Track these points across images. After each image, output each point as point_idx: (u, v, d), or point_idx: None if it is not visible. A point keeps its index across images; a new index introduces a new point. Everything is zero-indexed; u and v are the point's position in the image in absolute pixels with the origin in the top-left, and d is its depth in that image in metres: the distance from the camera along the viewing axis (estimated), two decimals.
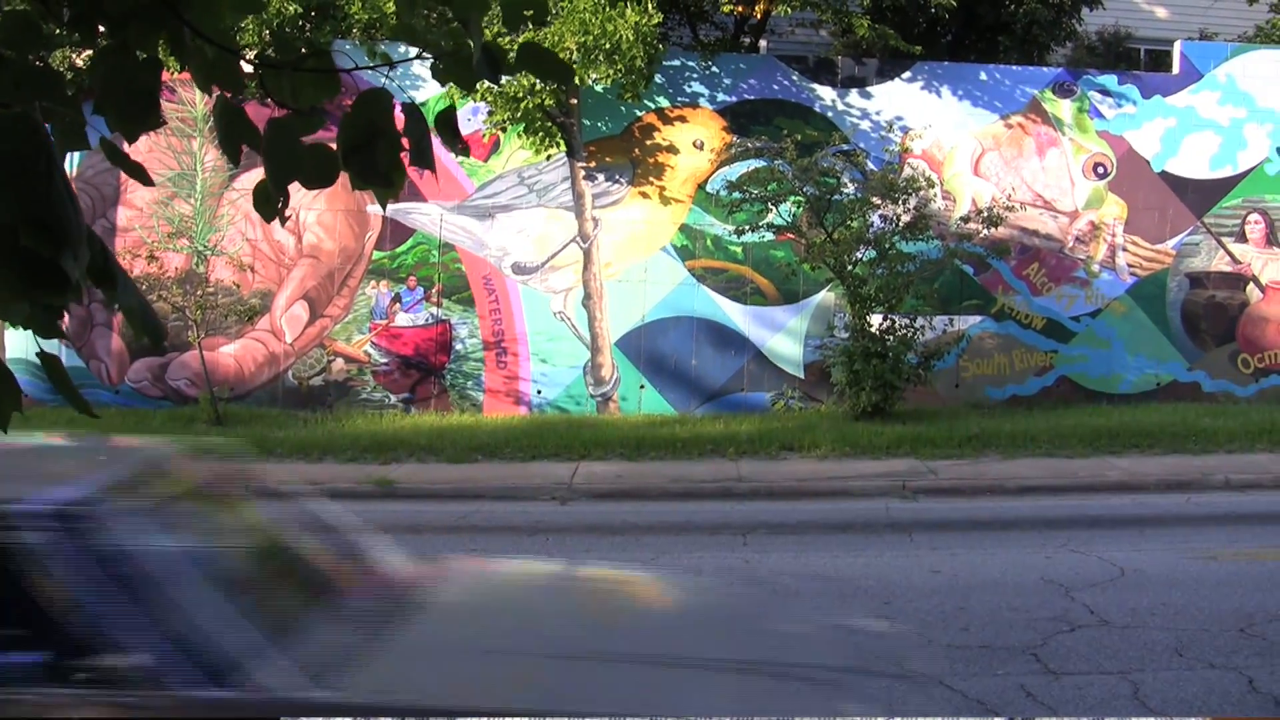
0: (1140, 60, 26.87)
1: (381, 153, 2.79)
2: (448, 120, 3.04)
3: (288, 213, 2.92)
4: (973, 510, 14.37)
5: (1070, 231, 21.91)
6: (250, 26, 18.76)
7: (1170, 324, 22.12)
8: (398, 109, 2.84)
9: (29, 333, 2.74)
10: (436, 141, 2.96)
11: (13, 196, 2.24)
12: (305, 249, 21.18)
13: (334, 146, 2.80)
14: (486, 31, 2.89)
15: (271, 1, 18.80)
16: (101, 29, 2.79)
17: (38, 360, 2.79)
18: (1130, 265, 22.01)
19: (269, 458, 17.00)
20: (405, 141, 2.87)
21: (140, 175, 3.01)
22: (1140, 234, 22.01)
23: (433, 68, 2.98)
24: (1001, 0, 23.22)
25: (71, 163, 19.84)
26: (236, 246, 20.96)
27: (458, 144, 3.07)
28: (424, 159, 2.89)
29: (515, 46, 3.08)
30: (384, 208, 3.10)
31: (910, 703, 7.57)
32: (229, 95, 2.94)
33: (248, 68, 3.03)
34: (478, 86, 3.16)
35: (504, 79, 2.99)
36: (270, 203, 2.86)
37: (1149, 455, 17.26)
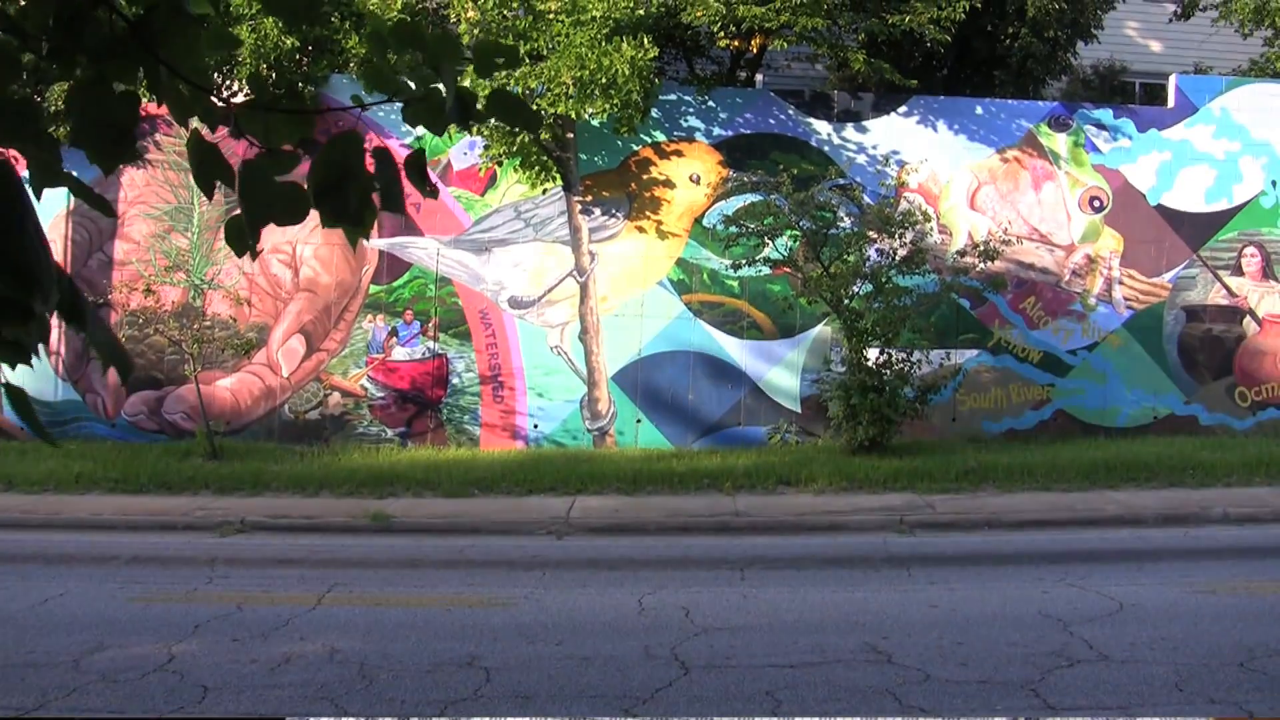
0: (1135, 94, 26.99)
1: (352, 194, 2.80)
2: (416, 164, 3.06)
3: (259, 247, 2.94)
4: (970, 544, 14.35)
5: (1066, 265, 21.96)
6: (247, 60, 18.84)
7: (1167, 357, 22.15)
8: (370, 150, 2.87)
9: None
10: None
11: None
12: (302, 283, 21.19)
13: (302, 184, 2.81)
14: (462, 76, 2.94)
15: (269, 36, 18.87)
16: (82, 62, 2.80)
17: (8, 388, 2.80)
18: (1127, 298, 22.05)
19: (265, 492, 17.00)
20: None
21: (103, 206, 3.02)
22: (1136, 267, 22.06)
23: (404, 111, 2.99)
24: (996, 35, 23.32)
25: (66, 197, 19.85)
26: (233, 280, 20.99)
27: (426, 187, 3.08)
28: (394, 203, 2.91)
29: (488, 91, 3.11)
30: (354, 247, 3.14)
31: None
32: (203, 132, 2.96)
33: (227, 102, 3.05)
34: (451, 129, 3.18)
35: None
36: (242, 238, 2.87)
37: (1147, 488, 17.26)
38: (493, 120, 3.20)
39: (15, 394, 2.77)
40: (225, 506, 16.04)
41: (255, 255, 2.96)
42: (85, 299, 2.60)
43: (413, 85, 2.98)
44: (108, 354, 2.70)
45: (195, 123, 2.98)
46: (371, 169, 2.85)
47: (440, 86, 2.94)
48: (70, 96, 2.72)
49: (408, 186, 2.96)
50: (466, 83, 3.02)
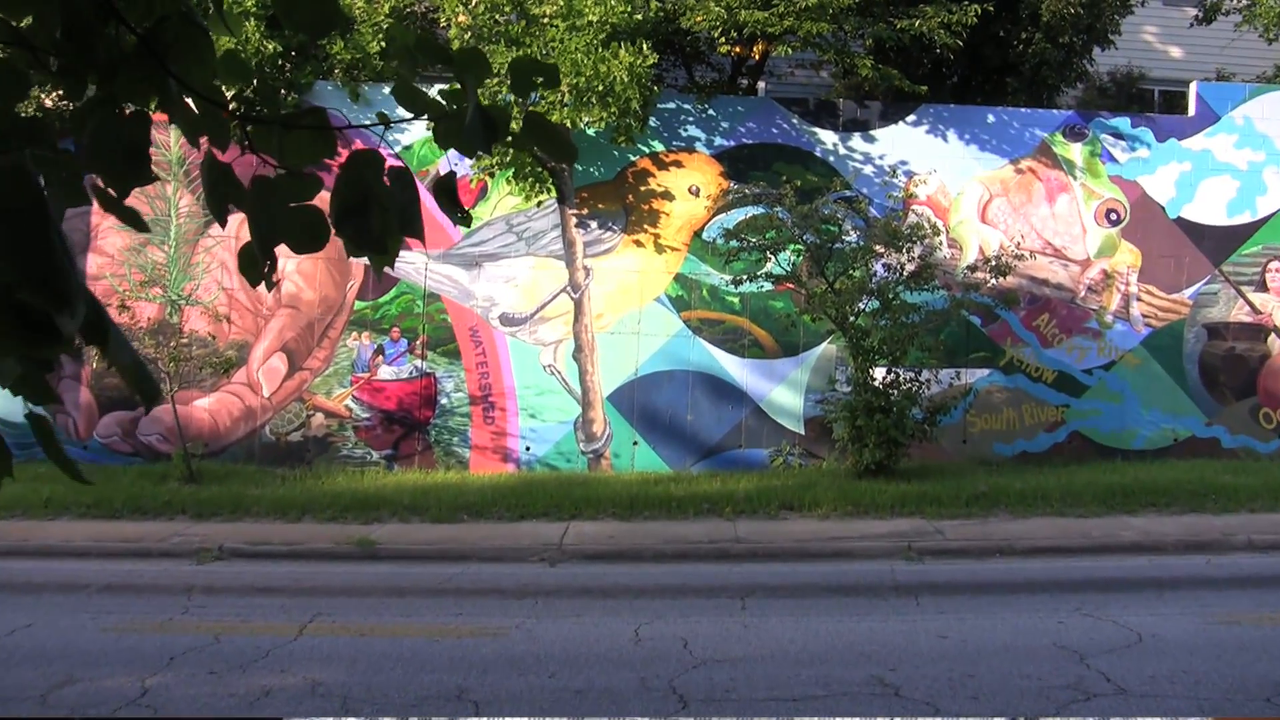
0: (1154, 102, 27.03)
1: (375, 218, 2.76)
2: (447, 187, 3.00)
3: (276, 276, 2.89)
4: (981, 572, 14.32)
5: (1082, 280, 21.97)
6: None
7: (1187, 377, 22.14)
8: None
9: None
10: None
11: (9, 253, 2.22)
12: (284, 299, 21.18)
13: (321, 207, 2.77)
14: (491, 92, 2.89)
15: (251, 41, 18.86)
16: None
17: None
18: (1145, 315, 22.05)
19: (245, 517, 16.95)
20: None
21: (135, 221, 2.99)
22: (1155, 283, 22.07)
23: (434, 131, 2.95)
24: (1009, 40, 23.34)
25: None
26: (212, 296, 20.99)
27: (458, 213, 3.02)
28: (412, 227, 2.85)
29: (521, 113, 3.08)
30: (379, 277, 3.08)
31: None
32: (216, 150, 2.92)
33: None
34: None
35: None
36: (256, 266, 2.83)
37: (1166, 514, 17.23)
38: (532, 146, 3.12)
39: (40, 424, 2.75)
40: (203, 532, 16.01)
41: (271, 286, 2.93)
42: (108, 315, 2.57)
43: (444, 103, 2.95)
44: (132, 377, 2.67)
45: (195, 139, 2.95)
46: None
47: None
48: (78, 117, 2.70)
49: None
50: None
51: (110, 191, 2.80)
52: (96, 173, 2.67)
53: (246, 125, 2.92)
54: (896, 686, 9.28)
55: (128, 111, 2.70)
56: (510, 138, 2.98)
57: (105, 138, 2.66)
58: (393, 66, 19.09)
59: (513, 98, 16.41)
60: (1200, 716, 7.72)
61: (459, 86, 2.89)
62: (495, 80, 15.41)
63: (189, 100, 2.79)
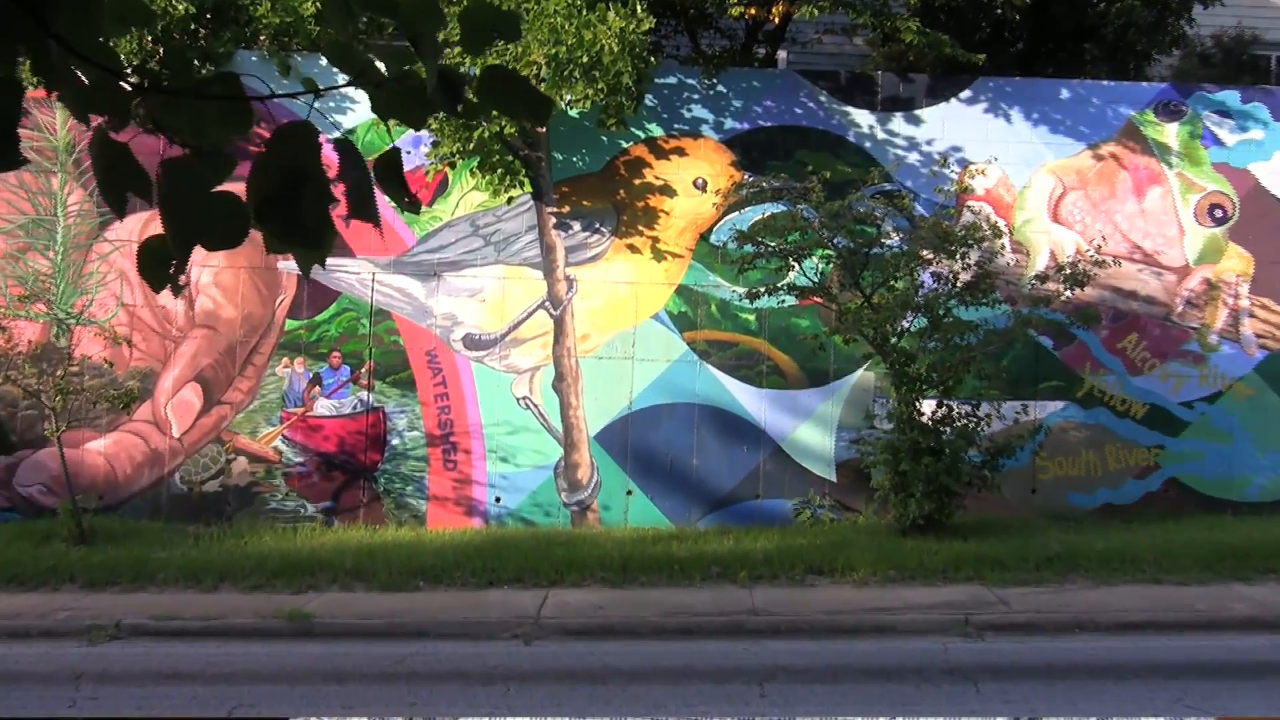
0: (1270, 71, 27.01)
1: (308, 204, 2.72)
2: (391, 166, 2.98)
3: (182, 279, 2.87)
4: (1055, 652, 14.31)
5: (1179, 292, 21.95)
6: (131, 33, 18.80)
7: None
8: (326, 146, 2.77)
9: None
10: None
11: None
12: (199, 316, 21.16)
13: (239, 194, 2.74)
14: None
15: (155, 1, 18.79)
16: None
17: None
18: (1258, 335, 22.03)
19: (149, 585, 16.91)
20: (337, 188, 2.80)
21: None
22: (1271, 295, 22.04)
23: (372, 99, 2.92)
24: None
25: None
26: (109, 313, 20.94)
27: (405, 197, 3.00)
28: (365, 210, 2.82)
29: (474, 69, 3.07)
30: (307, 274, 3.03)
31: None
32: (110, 127, 2.88)
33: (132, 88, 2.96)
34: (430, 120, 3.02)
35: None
36: (162, 268, 2.80)
37: None
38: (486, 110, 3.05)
39: None
40: (96, 605, 15.99)
41: (179, 290, 2.89)
42: None
43: (382, 66, 2.92)
44: None
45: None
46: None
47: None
48: None
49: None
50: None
51: None
52: None
53: (147, 97, 2.88)
54: None
55: None
56: (461, 106, 2.94)
57: None
58: (325, 24, 19.07)
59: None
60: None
61: (403, 47, 2.86)
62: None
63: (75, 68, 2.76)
